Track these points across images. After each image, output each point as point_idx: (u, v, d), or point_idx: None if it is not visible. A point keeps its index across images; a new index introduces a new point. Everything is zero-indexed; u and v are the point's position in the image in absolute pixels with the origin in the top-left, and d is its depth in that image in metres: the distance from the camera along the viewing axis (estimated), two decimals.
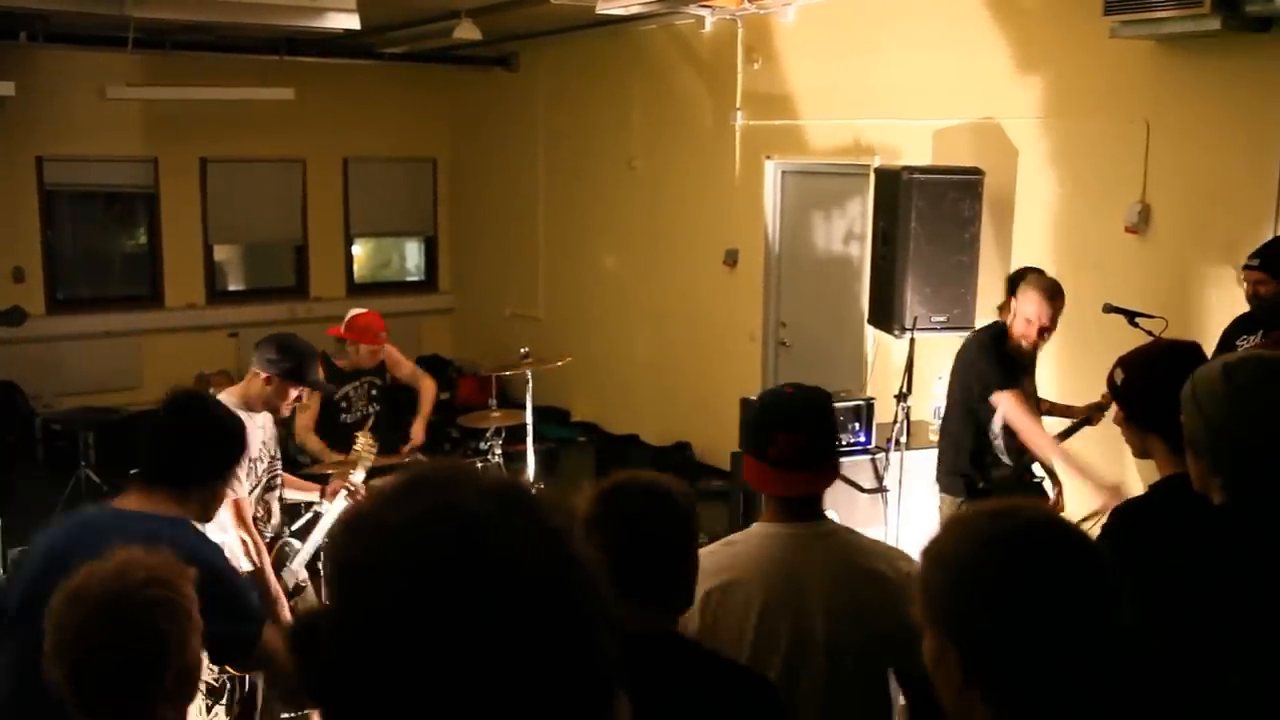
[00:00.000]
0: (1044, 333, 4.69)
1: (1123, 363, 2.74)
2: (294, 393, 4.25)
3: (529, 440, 6.08)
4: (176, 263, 10.43)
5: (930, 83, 6.74)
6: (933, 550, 1.53)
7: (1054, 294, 4.68)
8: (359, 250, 11.67)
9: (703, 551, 2.46)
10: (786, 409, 2.56)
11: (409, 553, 0.95)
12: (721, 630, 2.34)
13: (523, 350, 6.19)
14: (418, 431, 5.93)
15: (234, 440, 2.91)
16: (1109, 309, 5.03)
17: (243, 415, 3.97)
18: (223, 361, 10.25)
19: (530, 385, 6.16)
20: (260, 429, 4.27)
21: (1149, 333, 4.70)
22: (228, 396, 4.13)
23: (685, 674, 2.10)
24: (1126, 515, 2.59)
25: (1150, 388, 2.62)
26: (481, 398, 8.99)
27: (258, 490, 4.29)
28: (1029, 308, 4.65)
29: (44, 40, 8.48)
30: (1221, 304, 5.28)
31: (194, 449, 2.79)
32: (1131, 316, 4.89)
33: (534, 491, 1.06)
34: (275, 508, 4.50)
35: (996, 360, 4.77)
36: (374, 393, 5.92)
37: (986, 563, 1.45)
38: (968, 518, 1.55)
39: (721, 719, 2.08)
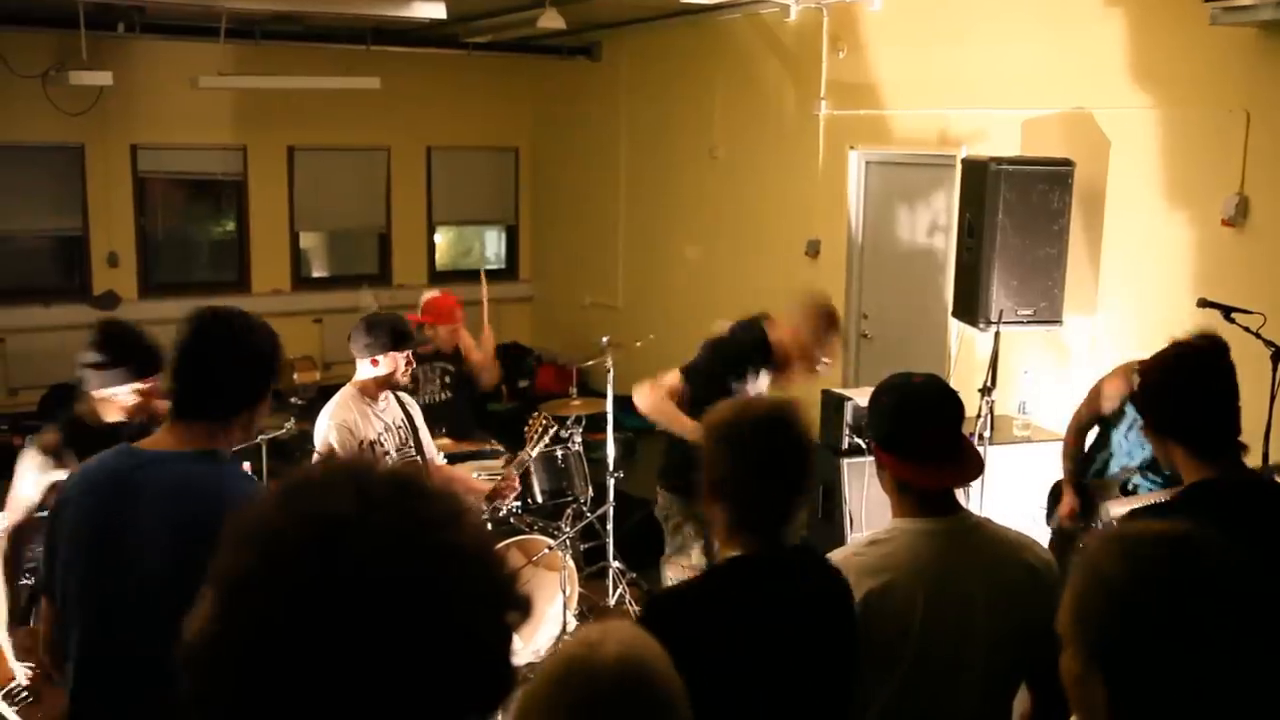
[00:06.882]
0: None
1: (1141, 368, 2.60)
2: (400, 359, 4.44)
3: (609, 429, 6.08)
4: (263, 249, 10.63)
5: (1019, 72, 6.61)
6: (1092, 569, 1.40)
7: None
8: (440, 238, 11.79)
9: (848, 551, 2.45)
10: (927, 399, 2.43)
11: (274, 567, 0.97)
12: (876, 630, 2.29)
13: (605, 339, 6.20)
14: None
15: (268, 355, 2.54)
16: (1204, 303, 4.90)
17: (364, 407, 4.35)
18: (307, 347, 10.41)
19: (611, 374, 6.17)
20: (380, 415, 4.47)
21: (1245, 328, 4.58)
22: (350, 392, 4.43)
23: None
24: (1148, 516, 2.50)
25: (1163, 391, 2.49)
26: (560, 386, 9.04)
27: None
28: None
29: (140, 31, 8.69)
30: None
31: (231, 374, 2.47)
32: (1227, 312, 4.75)
33: (412, 482, 1.05)
34: None
35: None
36: (447, 379, 5.98)
37: (1154, 597, 1.33)
38: (1129, 535, 1.42)
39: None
